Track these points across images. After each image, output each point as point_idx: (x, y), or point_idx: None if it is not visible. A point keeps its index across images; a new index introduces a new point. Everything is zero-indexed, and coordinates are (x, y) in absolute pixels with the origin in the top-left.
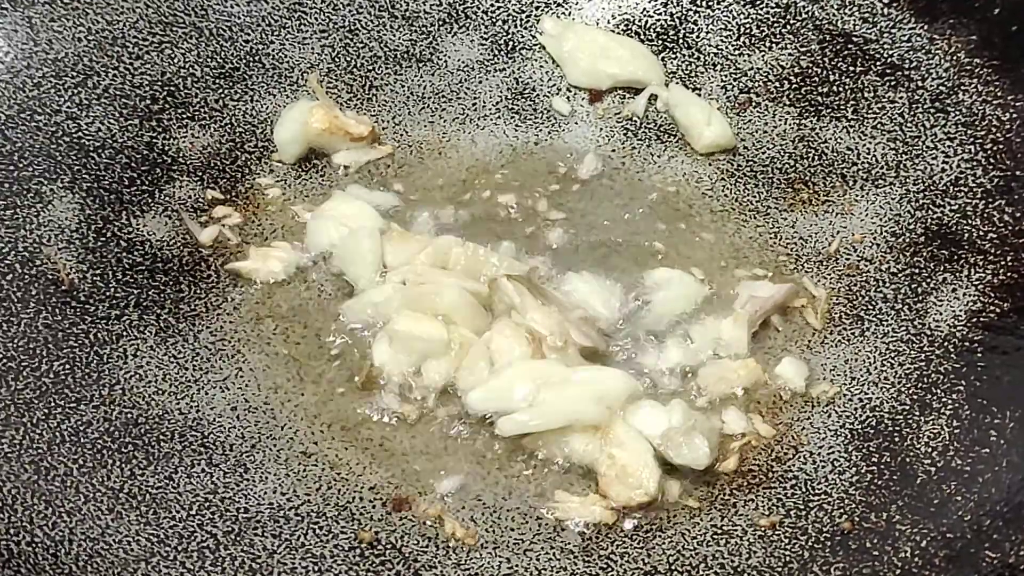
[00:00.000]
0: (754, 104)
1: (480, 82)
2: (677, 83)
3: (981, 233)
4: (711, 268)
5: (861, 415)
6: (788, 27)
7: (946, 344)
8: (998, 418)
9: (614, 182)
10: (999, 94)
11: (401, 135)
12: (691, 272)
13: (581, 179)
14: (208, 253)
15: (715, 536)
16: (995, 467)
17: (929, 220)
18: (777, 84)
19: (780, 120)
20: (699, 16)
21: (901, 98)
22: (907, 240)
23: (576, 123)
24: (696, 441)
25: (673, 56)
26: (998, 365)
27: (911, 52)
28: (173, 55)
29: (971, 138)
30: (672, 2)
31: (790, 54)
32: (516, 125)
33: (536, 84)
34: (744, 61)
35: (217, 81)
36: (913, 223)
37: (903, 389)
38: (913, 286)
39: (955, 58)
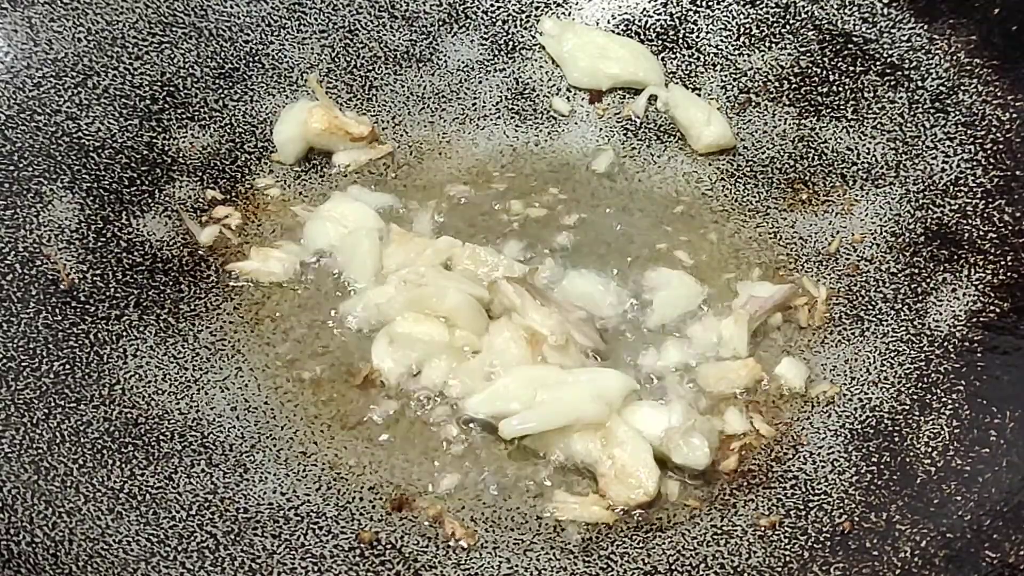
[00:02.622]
0: (754, 104)
1: (480, 82)
2: (677, 83)
3: (981, 233)
4: (711, 268)
5: (861, 415)
6: (788, 27)
7: (946, 344)
8: (998, 418)
9: (614, 182)
10: (999, 94)
11: (401, 135)
12: (690, 272)
13: (581, 179)
14: (208, 253)
15: (715, 536)
16: (995, 467)
17: (929, 220)
18: (777, 84)
19: (780, 120)
20: (699, 16)
21: (901, 98)
22: (907, 240)
23: (576, 123)
24: (696, 441)
25: (673, 56)
26: (998, 365)
27: (911, 52)
28: (173, 55)
29: (971, 138)
30: (672, 2)
31: (790, 54)
32: (516, 125)
33: (536, 84)
34: (744, 61)
35: (217, 81)
36: (913, 223)
37: (903, 389)
38: (913, 286)
39: (955, 58)
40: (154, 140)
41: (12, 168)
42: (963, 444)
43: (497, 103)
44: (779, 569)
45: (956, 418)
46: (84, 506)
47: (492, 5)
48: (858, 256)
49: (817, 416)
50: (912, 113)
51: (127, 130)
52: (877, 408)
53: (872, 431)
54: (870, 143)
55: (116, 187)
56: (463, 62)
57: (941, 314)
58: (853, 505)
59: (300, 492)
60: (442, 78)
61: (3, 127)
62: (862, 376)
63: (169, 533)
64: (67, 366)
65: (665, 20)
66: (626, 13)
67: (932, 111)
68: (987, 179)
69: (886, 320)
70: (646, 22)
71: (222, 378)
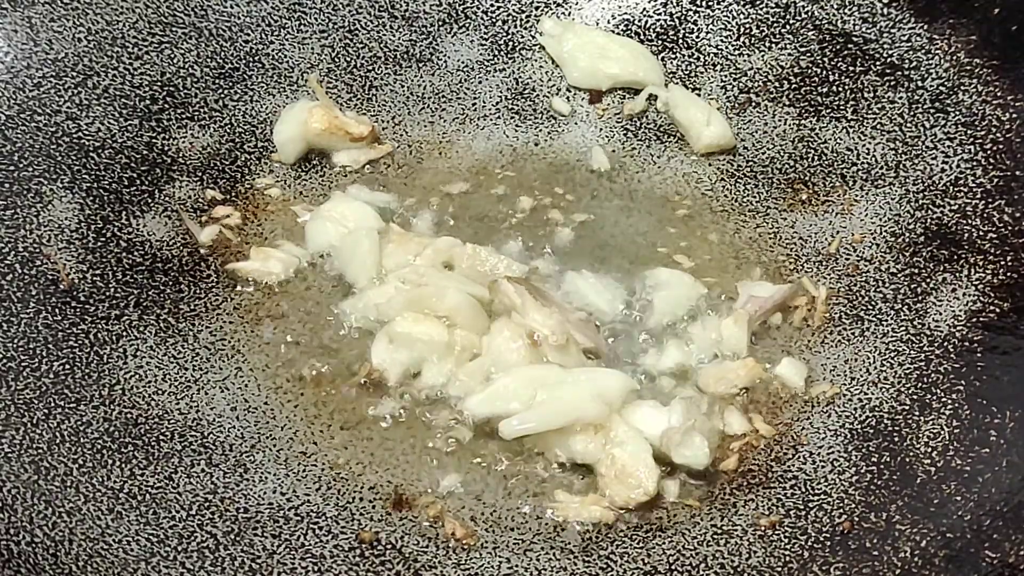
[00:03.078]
0: (754, 104)
1: (480, 82)
2: (677, 83)
3: (981, 233)
4: (711, 268)
5: (861, 415)
6: (788, 27)
7: (946, 344)
8: (998, 418)
9: (614, 183)
10: (999, 94)
11: (401, 135)
12: (691, 272)
13: (581, 179)
14: (208, 253)
15: (715, 536)
16: (995, 467)
17: (929, 220)
18: (777, 84)
19: (780, 120)
20: (699, 16)
21: (901, 98)
22: (907, 240)
23: (576, 123)
24: (696, 441)
25: (673, 56)
26: (998, 365)
27: (911, 52)
28: (173, 55)
29: (971, 138)
30: (672, 2)
31: (790, 54)
32: (516, 125)
33: (536, 84)
34: (744, 61)
35: (217, 81)
36: (913, 223)
37: (903, 389)
38: (913, 286)
39: (955, 58)
40: (154, 140)
41: (12, 168)
42: (963, 444)
43: (497, 103)
44: (779, 569)
45: (956, 418)
46: (84, 506)
47: (492, 5)
48: (858, 256)
49: (817, 416)
50: (912, 113)
51: (127, 130)
52: (877, 408)
53: (872, 431)
54: (870, 143)
55: (116, 187)
56: (463, 62)
57: (941, 314)
58: (853, 505)
59: (300, 492)
60: (442, 78)
61: (3, 127)
62: (862, 376)
63: (169, 533)
64: (67, 366)
65: (665, 20)
66: (626, 13)
67: (932, 111)
68: (987, 179)
69: (886, 320)
70: (646, 22)
71: (222, 378)
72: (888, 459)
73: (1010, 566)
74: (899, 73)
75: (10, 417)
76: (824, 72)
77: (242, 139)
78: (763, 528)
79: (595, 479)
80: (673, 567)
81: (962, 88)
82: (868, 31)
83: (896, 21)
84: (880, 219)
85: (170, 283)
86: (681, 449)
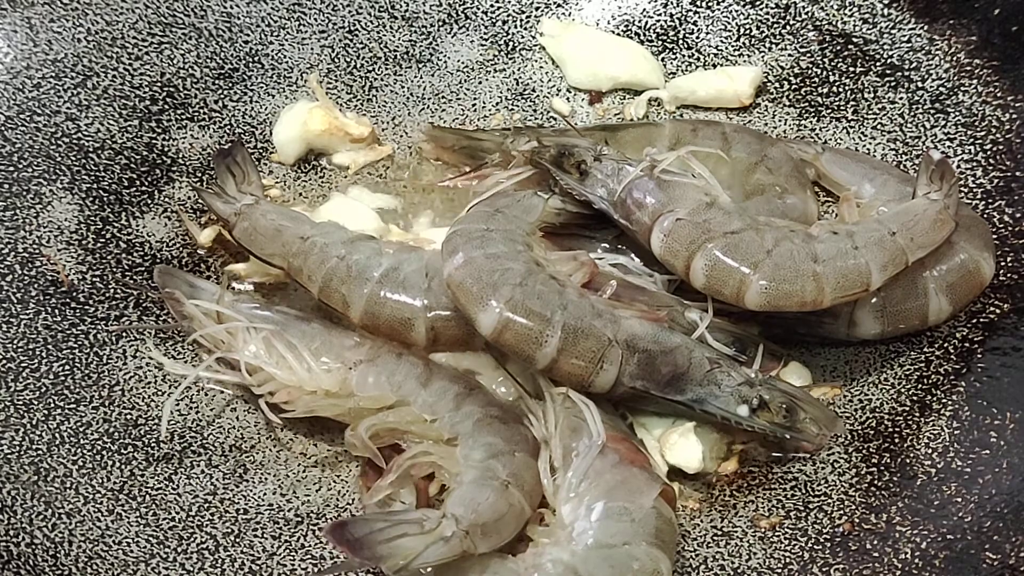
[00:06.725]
0: (754, 104)
1: (480, 82)
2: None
3: None
4: None
5: (861, 416)
6: (788, 27)
7: (946, 345)
8: (998, 419)
9: None
10: (999, 95)
11: (401, 135)
12: None
13: None
14: (208, 254)
15: (715, 537)
16: (995, 468)
17: None
18: (777, 84)
19: (780, 120)
20: (699, 16)
21: (901, 99)
22: None
23: (576, 124)
24: (691, 442)
25: (673, 56)
26: (998, 366)
27: (911, 53)
28: (173, 55)
29: (971, 139)
30: (672, 2)
31: (790, 54)
32: (516, 126)
33: (536, 84)
34: (744, 61)
35: (217, 81)
36: None
37: (903, 390)
38: None
39: (955, 59)
40: (154, 140)
41: (12, 169)
42: (963, 445)
43: (497, 103)
44: (779, 570)
45: (956, 419)
46: (84, 507)
47: (492, 5)
48: None
49: None
50: (912, 114)
51: (127, 130)
52: (877, 409)
53: (872, 432)
54: (870, 143)
55: (116, 187)
56: (463, 62)
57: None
58: (853, 506)
59: (300, 493)
60: (442, 78)
61: (3, 127)
62: (862, 377)
63: (169, 534)
64: (67, 367)
65: (665, 20)
66: (626, 13)
67: (932, 112)
68: (987, 180)
69: None
70: (646, 22)
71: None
72: (888, 460)
73: (1011, 567)
74: (899, 74)
75: (10, 418)
76: (824, 72)
77: (242, 139)
78: (763, 529)
79: None
80: (673, 568)
81: (962, 89)
82: (868, 32)
83: (896, 22)
84: None
85: None
86: (675, 450)
